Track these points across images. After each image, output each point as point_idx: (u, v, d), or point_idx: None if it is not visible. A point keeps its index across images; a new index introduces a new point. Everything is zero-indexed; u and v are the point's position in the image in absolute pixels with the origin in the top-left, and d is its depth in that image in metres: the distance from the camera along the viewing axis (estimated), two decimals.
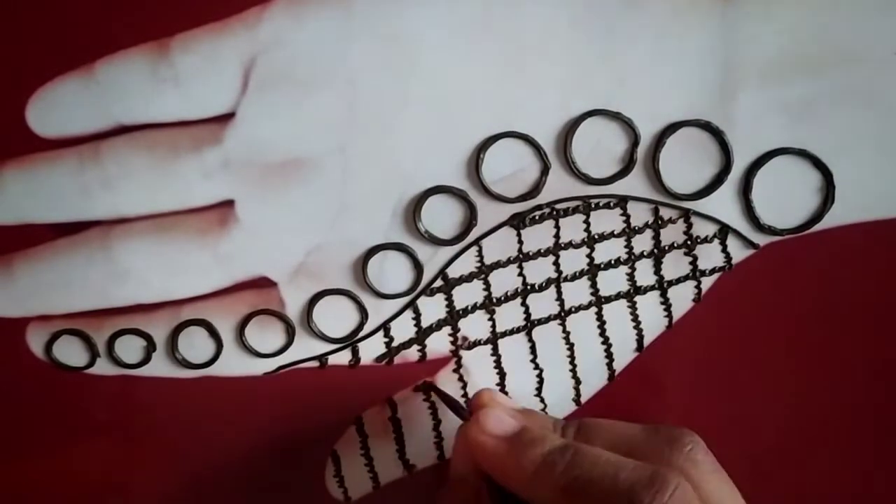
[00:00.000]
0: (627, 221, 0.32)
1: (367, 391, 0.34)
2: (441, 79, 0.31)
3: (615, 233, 0.32)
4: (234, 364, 0.34)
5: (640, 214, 0.32)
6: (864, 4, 0.30)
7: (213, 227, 0.33)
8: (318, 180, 0.32)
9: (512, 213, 0.32)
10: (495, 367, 0.34)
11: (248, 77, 0.31)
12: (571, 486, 0.24)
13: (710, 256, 0.33)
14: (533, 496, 0.25)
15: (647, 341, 0.34)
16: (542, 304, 0.33)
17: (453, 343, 0.34)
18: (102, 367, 0.34)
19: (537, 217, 0.32)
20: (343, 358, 0.34)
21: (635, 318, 0.33)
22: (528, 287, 0.33)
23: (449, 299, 0.33)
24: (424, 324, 0.34)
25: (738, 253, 0.32)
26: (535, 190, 0.32)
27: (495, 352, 0.34)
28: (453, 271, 0.33)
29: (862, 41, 0.30)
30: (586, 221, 0.32)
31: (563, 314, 0.33)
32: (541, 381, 0.34)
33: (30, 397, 0.35)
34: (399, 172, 0.32)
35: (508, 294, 0.33)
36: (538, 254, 0.33)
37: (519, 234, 0.33)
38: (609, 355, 0.34)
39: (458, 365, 0.34)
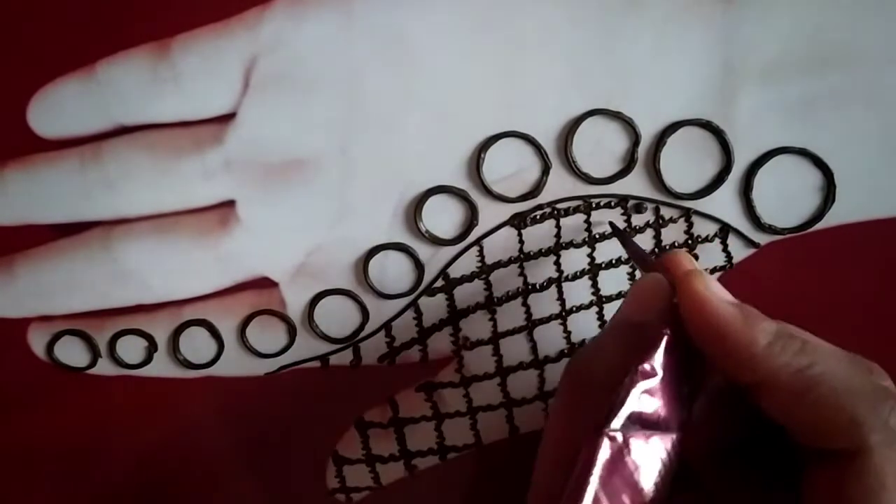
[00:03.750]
0: (628, 221, 0.32)
1: (369, 391, 0.34)
2: (441, 79, 0.31)
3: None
4: (235, 364, 0.34)
5: (640, 214, 0.32)
6: (864, 4, 0.30)
7: (214, 227, 0.33)
8: (319, 180, 0.32)
9: (513, 213, 0.32)
10: (496, 367, 0.34)
11: (248, 77, 0.31)
12: (802, 373, 0.22)
13: (711, 256, 0.32)
14: (754, 368, 0.23)
15: None
16: (543, 303, 0.33)
17: (454, 343, 0.34)
18: (104, 368, 0.34)
19: (538, 217, 0.32)
20: (344, 358, 0.34)
21: None
22: (529, 287, 0.33)
23: (450, 299, 0.33)
24: (426, 324, 0.34)
25: (739, 252, 0.32)
26: (535, 190, 0.32)
27: (496, 352, 0.34)
28: (454, 271, 0.33)
29: (862, 41, 0.30)
30: (587, 221, 0.32)
31: (564, 314, 0.33)
32: (542, 382, 0.34)
33: (31, 398, 0.35)
34: (400, 172, 0.32)
35: (509, 294, 0.33)
36: (539, 253, 0.33)
37: (520, 234, 0.33)
38: None
39: (460, 365, 0.34)
